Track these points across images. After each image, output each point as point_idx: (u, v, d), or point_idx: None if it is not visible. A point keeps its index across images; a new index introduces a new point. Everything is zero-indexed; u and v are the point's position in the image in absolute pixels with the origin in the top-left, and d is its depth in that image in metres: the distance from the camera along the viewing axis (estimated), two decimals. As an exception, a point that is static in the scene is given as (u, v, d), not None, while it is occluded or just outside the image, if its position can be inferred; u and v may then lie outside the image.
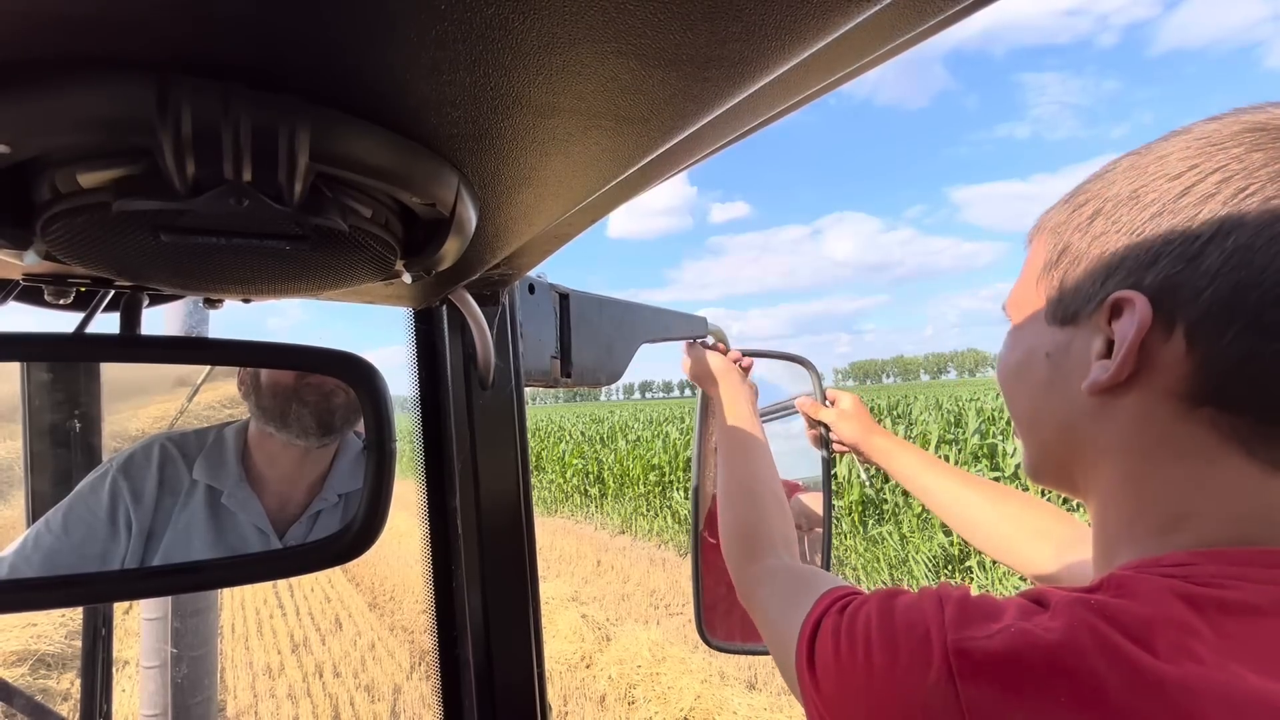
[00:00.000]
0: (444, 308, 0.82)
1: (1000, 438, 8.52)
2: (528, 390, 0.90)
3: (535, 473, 15.83)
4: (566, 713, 4.72)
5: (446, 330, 0.83)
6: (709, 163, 0.47)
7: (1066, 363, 0.47)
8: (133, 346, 0.46)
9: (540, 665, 0.88)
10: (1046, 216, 0.51)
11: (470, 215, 0.41)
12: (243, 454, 0.57)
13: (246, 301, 0.47)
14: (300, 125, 0.28)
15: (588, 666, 5.37)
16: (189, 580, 0.48)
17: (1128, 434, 0.43)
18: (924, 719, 0.36)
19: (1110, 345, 0.43)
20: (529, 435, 0.91)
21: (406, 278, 0.47)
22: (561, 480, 14.48)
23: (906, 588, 0.45)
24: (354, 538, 0.49)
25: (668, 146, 0.36)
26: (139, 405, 0.56)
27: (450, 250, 0.43)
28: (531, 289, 0.90)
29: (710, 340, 1.16)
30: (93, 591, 0.50)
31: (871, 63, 0.33)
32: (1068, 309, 0.46)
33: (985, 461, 7.99)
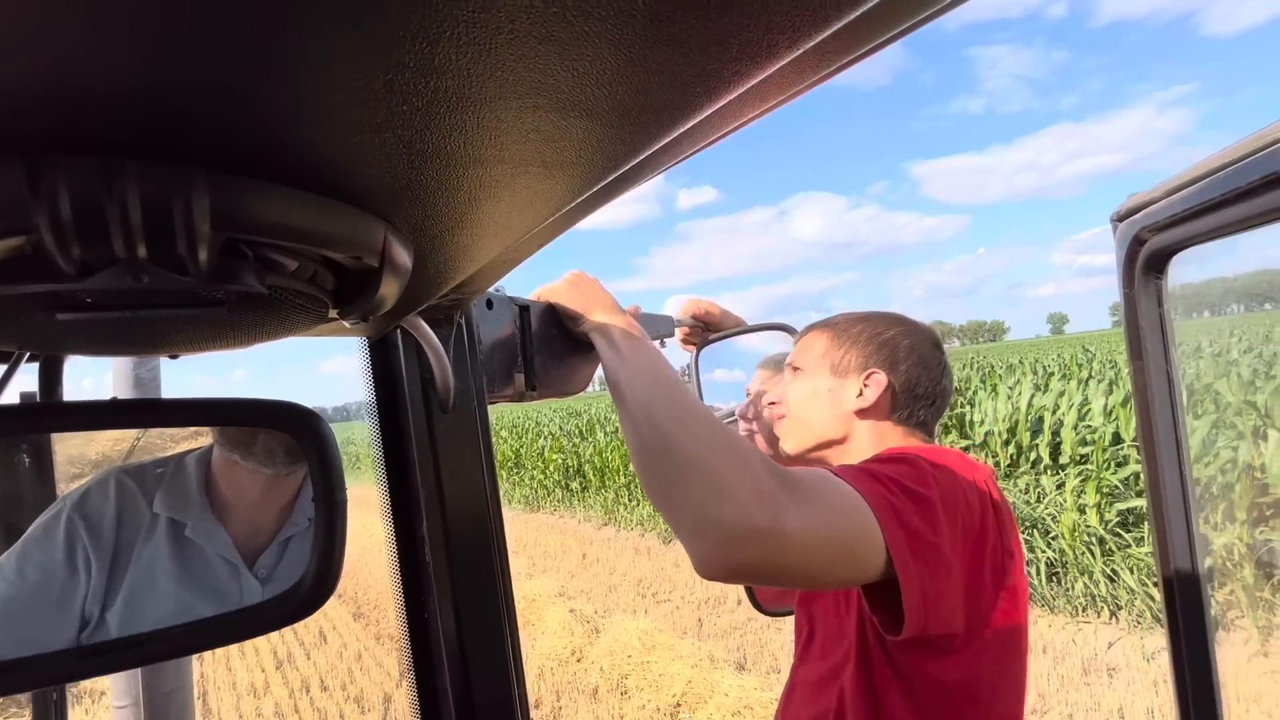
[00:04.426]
0: (398, 332, 0.80)
1: (968, 407, 8.72)
2: (498, 399, 0.88)
3: (516, 470, 15.71)
4: (560, 708, 4.73)
5: (403, 354, 0.81)
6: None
7: (839, 395, 1.00)
8: (53, 416, 0.43)
9: (521, 687, 0.87)
10: (821, 325, 1.06)
11: (404, 260, 0.39)
12: (206, 483, 0.53)
13: (174, 358, 0.44)
14: (196, 194, 0.26)
15: (578, 660, 5.38)
16: (137, 655, 0.45)
17: (867, 428, 0.99)
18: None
19: (862, 390, 0.98)
20: (499, 442, 0.89)
21: (345, 324, 0.45)
22: (543, 476, 14.40)
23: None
24: (307, 593, 0.47)
25: (603, 184, 0.35)
26: (91, 436, 0.52)
27: (388, 294, 0.41)
28: (490, 304, 0.88)
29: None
30: (37, 676, 0.47)
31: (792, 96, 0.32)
32: (844, 370, 1.00)
33: (955, 431, 8.18)
